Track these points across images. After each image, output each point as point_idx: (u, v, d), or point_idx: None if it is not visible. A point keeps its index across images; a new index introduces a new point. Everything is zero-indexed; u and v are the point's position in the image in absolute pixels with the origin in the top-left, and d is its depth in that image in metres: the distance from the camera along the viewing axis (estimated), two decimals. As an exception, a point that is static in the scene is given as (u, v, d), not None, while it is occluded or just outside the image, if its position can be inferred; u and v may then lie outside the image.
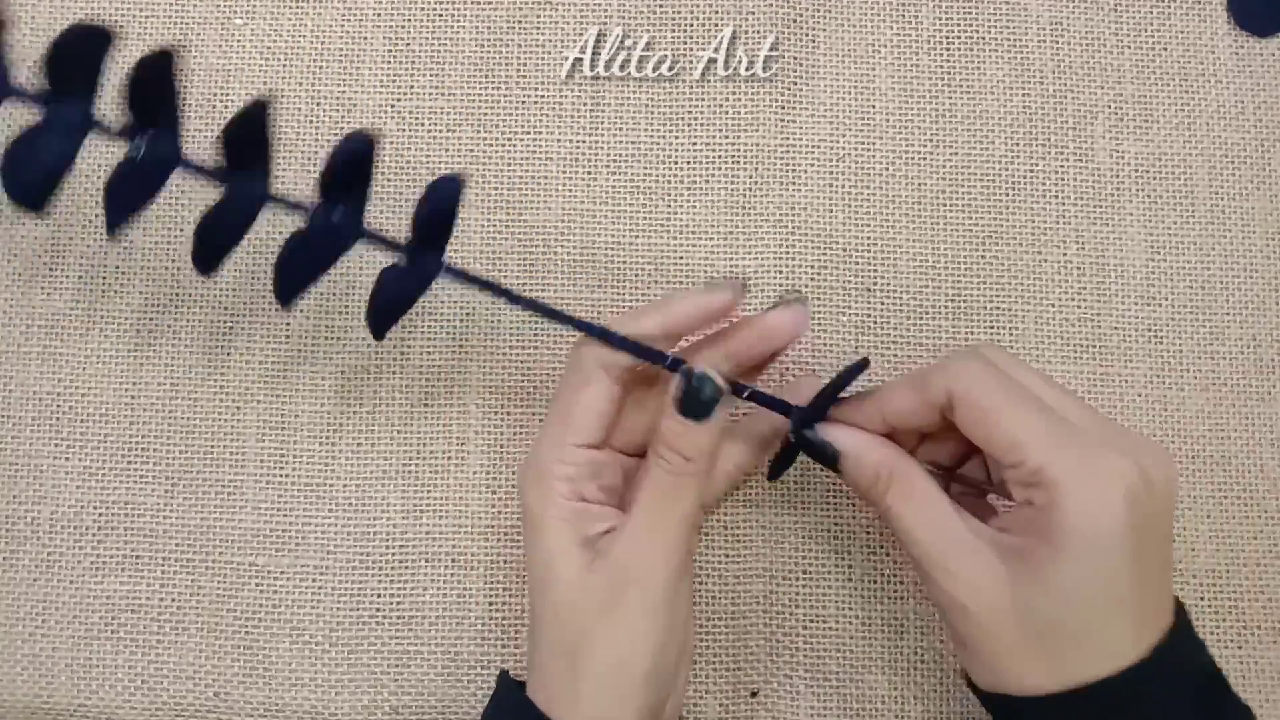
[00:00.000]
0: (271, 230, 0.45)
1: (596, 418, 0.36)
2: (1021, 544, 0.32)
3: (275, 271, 0.36)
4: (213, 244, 0.35)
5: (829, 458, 0.36)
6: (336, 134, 0.46)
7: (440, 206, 0.36)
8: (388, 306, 0.36)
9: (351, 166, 0.35)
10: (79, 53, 0.34)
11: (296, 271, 0.36)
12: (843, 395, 0.37)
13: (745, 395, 0.36)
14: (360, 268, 0.45)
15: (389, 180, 0.46)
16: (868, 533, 0.43)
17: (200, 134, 0.46)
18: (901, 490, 0.35)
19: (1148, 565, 0.32)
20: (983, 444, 0.33)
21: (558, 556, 0.35)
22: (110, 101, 0.35)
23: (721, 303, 0.36)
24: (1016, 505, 0.33)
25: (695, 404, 0.34)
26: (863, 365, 0.36)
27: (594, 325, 0.36)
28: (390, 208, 0.46)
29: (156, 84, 0.34)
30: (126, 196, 0.35)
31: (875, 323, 0.45)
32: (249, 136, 0.35)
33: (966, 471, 0.38)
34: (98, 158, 0.46)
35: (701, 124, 0.46)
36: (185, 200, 0.45)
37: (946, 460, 0.38)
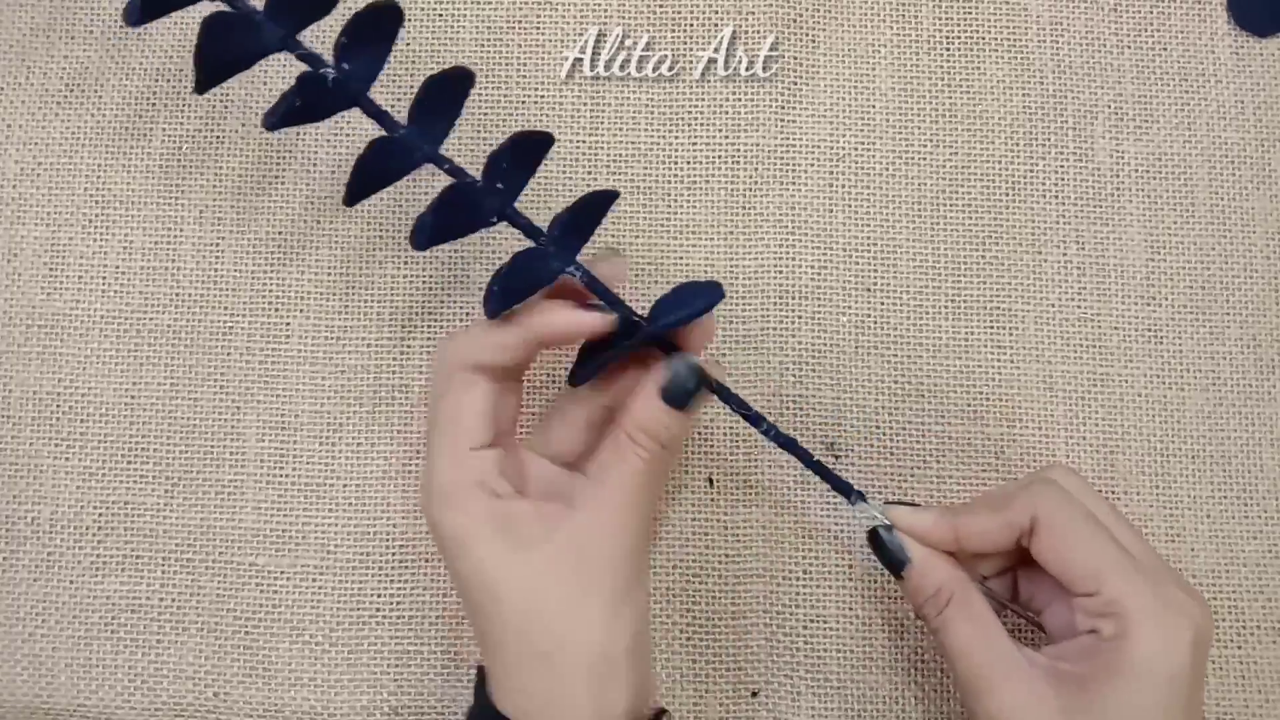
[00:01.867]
0: (270, 233, 0.45)
1: (484, 418, 0.35)
2: (1078, 673, 0.33)
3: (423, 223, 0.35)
4: (366, 180, 0.35)
5: (898, 563, 0.37)
6: (336, 133, 0.46)
7: (591, 211, 0.36)
8: (515, 285, 0.35)
9: (529, 153, 0.36)
10: None
11: (447, 222, 0.35)
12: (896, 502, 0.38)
13: (812, 465, 0.38)
14: (360, 267, 0.45)
15: (389, 180, 0.46)
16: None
17: (201, 135, 0.46)
18: (961, 609, 0.36)
19: (1195, 707, 0.33)
20: (1058, 570, 0.35)
21: (498, 567, 0.34)
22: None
23: (592, 325, 0.36)
24: (1077, 635, 0.34)
25: (680, 393, 0.35)
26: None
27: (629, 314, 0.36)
28: (389, 208, 0.46)
29: (377, 26, 0.34)
30: (302, 111, 0.34)
31: (875, 323, 0.45)
32: (442, 95, 0.35)
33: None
34: (100, 157, 0.46)
35: (701, 124, 0.46)
36: (185, 201, 0.45)
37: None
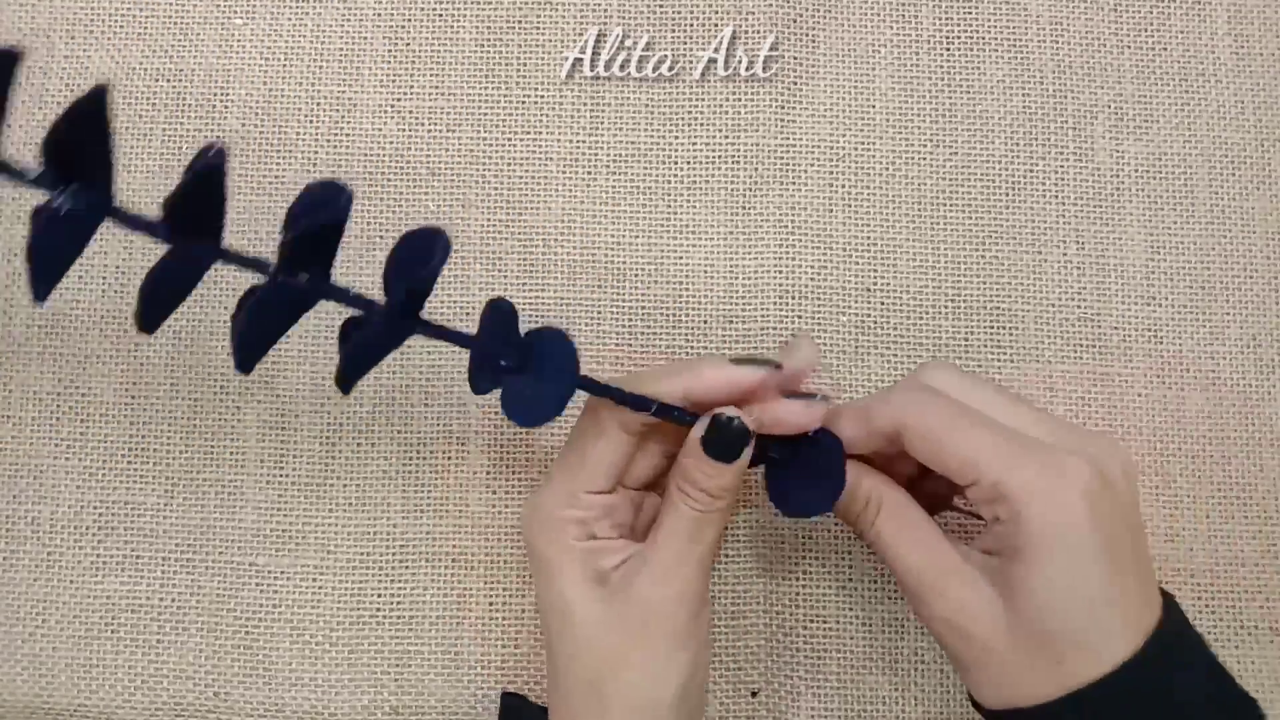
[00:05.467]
0: (269, 233, 0.45)
1: (609, 468, 0.36)
2: (1000, 562, 0.33)
3: (233, 337, 0.33)
4: (157, 302, 0.32)
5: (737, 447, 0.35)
6: (336, 134, 0.46)
7: (420, 271, 0.32)
8: (357, 361, 0.34)
9: (316, 236, 0.32)
10: None
11: (257, 336, 0.33)
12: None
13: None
14: (360, 268, 0.45)
15: (389, 181, 0.46)
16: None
17: (201, 135, 0.46)
18: (892, 516, 0.35)
19: (1122, 559, 0.32)
20: (939, 469, 0.34)
21: (575, 598, 0.35)
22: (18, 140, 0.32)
23: (751, 381, 0.34)
24: (988, 524, 0.34)
25: (723, 446, 0.34)
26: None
27: (629, 394, 0.35)
28: (390, 207, 0.46)
29: (89, 128, 0.30)
30: (52, 253, 0.30)
31: (875, 323, 0.45)
32: (201, 197, 0.31)
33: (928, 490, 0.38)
34: (97, 157, 0.46)
35: (701, 124, 0.46)
36: (185, 200, 0.45)
37: (903, 480, 0.37)
